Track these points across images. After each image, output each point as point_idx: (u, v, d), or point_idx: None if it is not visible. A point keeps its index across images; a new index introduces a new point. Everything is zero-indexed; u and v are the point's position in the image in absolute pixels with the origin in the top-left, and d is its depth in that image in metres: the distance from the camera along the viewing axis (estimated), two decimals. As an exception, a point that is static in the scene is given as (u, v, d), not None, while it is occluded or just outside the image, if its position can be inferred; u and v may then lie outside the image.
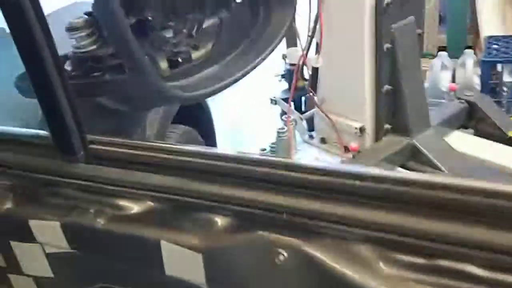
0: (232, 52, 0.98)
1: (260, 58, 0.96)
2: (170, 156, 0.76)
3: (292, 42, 2.54)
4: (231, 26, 0.99)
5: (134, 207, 0.79)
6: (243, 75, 0.94)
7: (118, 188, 0.79)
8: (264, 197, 0.67)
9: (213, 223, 0.72)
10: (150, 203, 0.78)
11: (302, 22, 2.42)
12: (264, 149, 2.43)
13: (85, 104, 0.88)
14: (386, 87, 2.24)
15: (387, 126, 2.34)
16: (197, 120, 2.22)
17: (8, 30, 1.44)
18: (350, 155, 2.29)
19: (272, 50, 0.97)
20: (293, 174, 0.66)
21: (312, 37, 2.39)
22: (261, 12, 1.00)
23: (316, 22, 2.32)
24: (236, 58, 0.98)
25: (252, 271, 0.68)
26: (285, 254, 0.64)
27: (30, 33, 0.73)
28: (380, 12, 2.15)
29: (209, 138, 2.24)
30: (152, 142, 0.91)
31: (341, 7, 2.27)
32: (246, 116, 3.21)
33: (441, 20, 3.42)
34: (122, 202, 0.79)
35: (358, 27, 2.20)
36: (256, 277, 0.68)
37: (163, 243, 0.74)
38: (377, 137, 2.36)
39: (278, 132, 2.33)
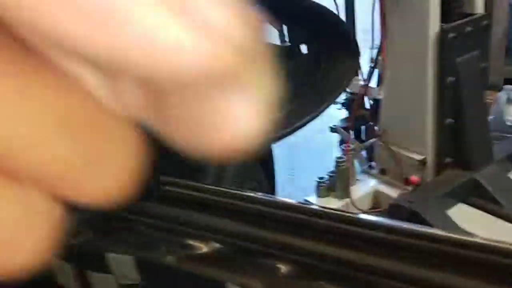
0: (296, 100, 1.02)
1: (320, 109, 0.99)
2: (240, 203, 0.80)
3: (346, 87, 2.57)
4: (295, 76, 1.03)
5: (203, 248, 0.83)
6: (305, 124, 0.98)
7: (188, 229, 0.84)
8: (329, 250, 0.70)
9: (276, 269, 0.75)
10: (219, 246, 0.82)
11: (363, 50, 2.44)
12: (322, 178, 2.44)
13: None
14: (449, 120, 2.23)
15: (448, 159, 2.31)
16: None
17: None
18: (410, 187, 2.27)
19: (333, 100, 1.01)
20: (359, 229, 0.68)
21: (374, 67, 2.41)
22: (324, 63, 1.04)
23: (378, 52, 2.33)
24: (299, 106, 1.02)
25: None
26: (347, 308, 0.66)
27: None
28: (444, 46, 2.15)
29: (267, 166, 2.29)
30: (223, 187, 0.96)
31: (405, 39, 2.28)
32: (304, 143, 3.24)
33: (508, 51, 3.35)
34: (192, 242, 0.84)
35: (421, 59, 2.20)
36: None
37: (229, 285, 0.78)
38: (438, 171, 2.34)
39: (337, 161, 2.34)
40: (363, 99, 2.41)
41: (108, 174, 0.15)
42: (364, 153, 2.54)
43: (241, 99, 0.14)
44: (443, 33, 2.01)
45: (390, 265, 0.65)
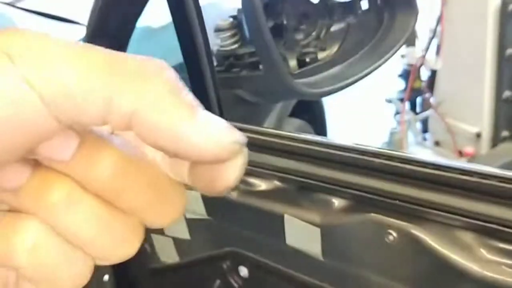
0: (355, 54, 1.08)
1: (381, 61, 1.05)
2: (297, 144, 0.88)
3: (411, 41, 2.56)
4: (356, 30, 1.09)
5: (263, 185, 0.92)
6: (365, 76, 1.04)
7: (250, 167, 0.93)
8: (379, 184, 0.77)
9: (331, 203, 0.83)
10: (277, 182, 0.90)
11: (422, 21, 2.44)
12: (376, 148, 2.45)
13: (224, 94, 1.03)
14: (507, 93, 2.21)
15: (505, 133, 2.29)
16: (311, 114, 2.31)
17: (153, 27, 1.64)
18: (464, 160, 2.28)
19: (394, 53, 1.06)
20: (406, 166, 0.75)
21: (432, 38, 2.40)
22: (386, 17, 1.09)
23: (437, 23, 2.32)
24: (359, 60, 1.08)
25: (364, 247, 0.78)
26: (395, 234, 0.73)
27: (190, 30, 0.88)
28: (504, 17, 2.12)
29: (321, 133, 2.35)
30: (282, 130, 1.04)
31: (464, 10, 2.26)
32: (359, 114, 3.27)
33: None
34: (253, 180, 0.93)
35: (481, 30, 2.18)
36: (367, 252, 0.78)
37: (286, 216, 0.86)
38: (494, 144, 2.33)
39: (391, 132, 2.37)
40: (419, 70, 2.42)
41: (173, 208, 0.28)
42: (418, 124, 2.56)
43: (230, 166, 0.27)
44: (504, 5, 1.99)
45: (432, 197, 0.71)
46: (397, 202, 0.74)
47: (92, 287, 1.23)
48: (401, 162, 0.76)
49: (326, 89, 1.02)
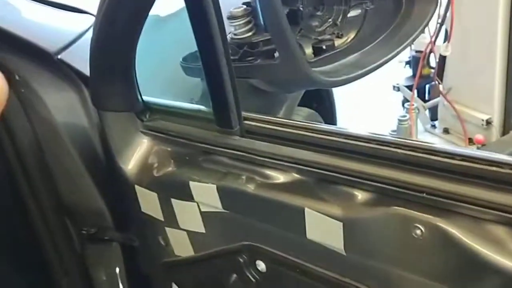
0: (373, 41, 1.05)
1: (399, 48, 1.02)
2: (316, 135, 0.85)
3: (428, 25, 2.51)
4: (374, 17, 1.06)
5: (281, 177, 0.89)
6: (382, 64, 1.01)
7: (267, 159, 0.90)
8: (404, 176, 0.74)
9: (353, 196, 0.80)
10: (295, 175, 0.88)
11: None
12: (384, 136, 2.42)
13: (238, 84, 1.00)
14: (519, 79, 2.16)
15: (516, 119, 2.25)
16: (320, 103, 2.28)
17: (162, 15, 1.61)
18: (474, 147, 2.25)
19: (413, 40, 1.03)
20: (433, 157, 0.72)
21: (441, 24, 2.36)
22: (404, 3, 1.05)
23: (447, 9, 2.28)
24: (376, 47, 1.05)
25: (389, 242, 0.76)
26: (422, 229, 0.71)
27: (205, 17, 0.84)
28: (517, 2, 2.07)
29: (330, 122, 2.31)
30: (299, 121, 1.01)
31: (475, -5, 2.21)
32: (368, 101, 3.23)
33: None
34: (270, 172, 0.90)
35: (492, 16, 2.15)
36: (392, 247, 0.76)
37: (307, 210, 0.83)
38: (504, 131, 2.30)
39: (399, 120, 2.34)
40: (429, 57, 2.38)
41: None
42: (427, 112, 2.53)
43: None
44: (516, -11, 1.95)
45: (461, 190, 0.69)
46: (424, 195, 0.71)
47: (105, 280, 1.20)
48: (426, 153, 0.73)
49: (344, 77, 0.99)
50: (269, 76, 1.01)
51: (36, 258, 1.32)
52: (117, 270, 1.32)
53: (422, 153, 0.74)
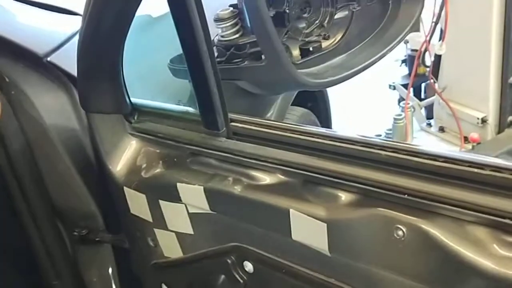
0: (360, 42, 1.05)
1: (386, 50, 1.02)
2: (302, 136, 0.85)
3: (415, 27, 2.51)
4: (360, 18, 1.06)
5: (267, 179, 0.90)
6: (369, 65, 1.01)
7: (253, 161, 0.90)
8: (387, 178, 0.74)
9: (337, 197, 0.80)
10: (281, 176, 0.88)
11: (426, 6, 2.38)
12: (380, 135, 2.44)
13: (225, 86, 1.00)
14: (513, 78, 2.16)
15: (511, 118, 2.26)
16: (315, 102, 2.27)
17: (153, 16, 1.61)
18: (469, 145, 2.25)
19: (400, 41, 1.03)
20: (415, 159, 0.72)
21: (436, 23, 2.36)
22: (391, 4, 1.05)
23: (441, 8, 2.28)
24: (363, 49, 1.05)
25: (372, 243, 0.76)
26: (404, 230, 0.71)
27: (189, 20, 0.84)
28: (510, 1, 2.08)
29: (325, 121, 2.31)
30: (286, 123, 1.01)
31: (469, -7, 2.20)
32: (363, 100, 3.23)
33: None
34: (256, 174, 0.91)
35: (486, 15, 2.15)
36: (375, 248, 0.76)
37: (292, 211, 0.84)
38: (500, 129, 2.30)
39: (395, 119, 2.34)
40: (424, 55, 2.38)
41: None
42: (423, 110, 2.52)
43: None
44: (510, -13, 1.95)
45: (442, 191, 0.69)
46: (406, 196, 0.71)
47: (96, 281, 1.21)
48: (409, 155, 0.74)
49: (330, 79, 0.99)
50: (256, 78, 1.01)
51: (28, 261, 1.32)
52: (109, 271, 1.32)
53: (405, 154, 0.74)
